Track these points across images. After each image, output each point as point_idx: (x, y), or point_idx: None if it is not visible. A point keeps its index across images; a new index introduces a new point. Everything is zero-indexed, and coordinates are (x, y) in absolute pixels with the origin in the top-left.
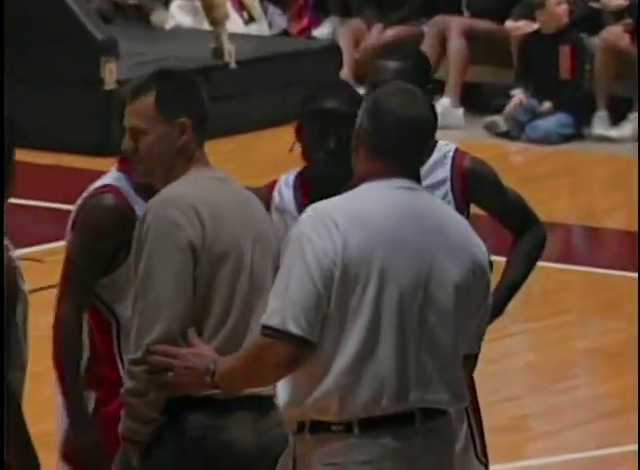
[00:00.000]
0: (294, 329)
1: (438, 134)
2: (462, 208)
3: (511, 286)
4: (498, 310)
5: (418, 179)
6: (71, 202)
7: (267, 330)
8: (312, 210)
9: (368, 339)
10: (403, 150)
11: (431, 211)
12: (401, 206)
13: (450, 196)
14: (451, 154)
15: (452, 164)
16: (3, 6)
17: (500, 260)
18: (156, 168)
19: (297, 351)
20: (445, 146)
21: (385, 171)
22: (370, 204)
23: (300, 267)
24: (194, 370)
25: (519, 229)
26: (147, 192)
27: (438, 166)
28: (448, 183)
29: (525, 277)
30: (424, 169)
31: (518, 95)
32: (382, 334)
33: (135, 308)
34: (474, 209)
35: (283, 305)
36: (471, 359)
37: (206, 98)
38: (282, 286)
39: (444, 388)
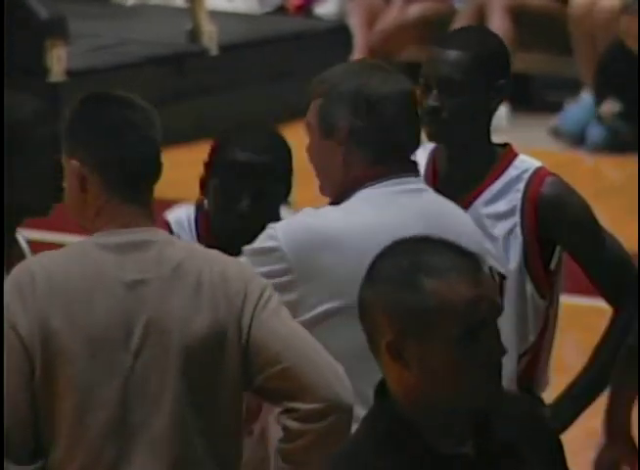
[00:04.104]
0: None
1: None
2: (534, 251)
3: (591, 384)
4: (560, 423)
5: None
6: None
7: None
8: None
9: None
10: (409, 139)
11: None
12: (409, 215)
13: (518, 232)
14: (528, 174)
15: (526, 189)
16: (3, 6)
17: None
18: None
19: None
20: (524, 162)
21: (386, 171)
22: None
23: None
24: None
25: (613, 299)
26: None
27: (509, 190)
28: (517, 215)
29: (605, 377)
30: (489, 193)
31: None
32: None
33: None
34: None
35: None
36: None
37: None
38: None
39: None
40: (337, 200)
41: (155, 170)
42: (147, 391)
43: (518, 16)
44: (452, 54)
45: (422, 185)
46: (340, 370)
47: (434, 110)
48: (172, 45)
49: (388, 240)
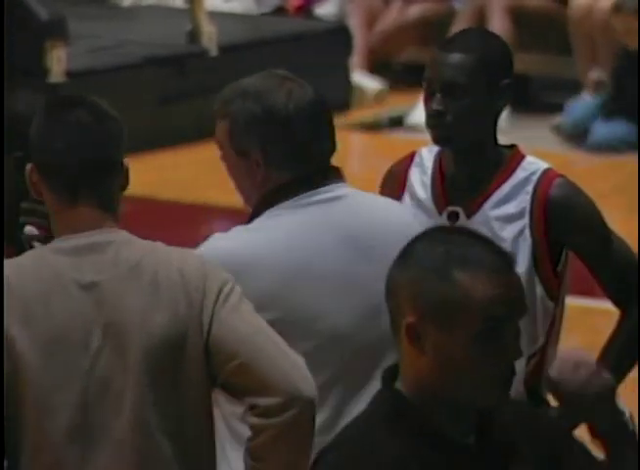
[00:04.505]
0: None
1: None
2: (544, 253)
3: None
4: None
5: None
6: None
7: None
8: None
9: None
10: (322, 149)
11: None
12: (329, 227)
13: (527, 234)
14: (537, 176)
15: (535, 191)
16: (3, 6)
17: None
18: None
19: None
20: (532, 164)
21: (301, 185)
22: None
23: None
24: None
25: (620, 301)
26: None
27: (518, 192)
28: (527, 217)
29: (619, 375)
30: (497, 196)
31: None
32: None
33: None
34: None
35: None
36: None
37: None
38: None
39: None
40: (253, 214)
41: (104, 174)
42: (107, 393)
43: (517, 16)
44: (454, 57)
45: (339, 192)
46: (300, 362)
47: (438, 113)
48: (172, 46)
49: (302, 256)
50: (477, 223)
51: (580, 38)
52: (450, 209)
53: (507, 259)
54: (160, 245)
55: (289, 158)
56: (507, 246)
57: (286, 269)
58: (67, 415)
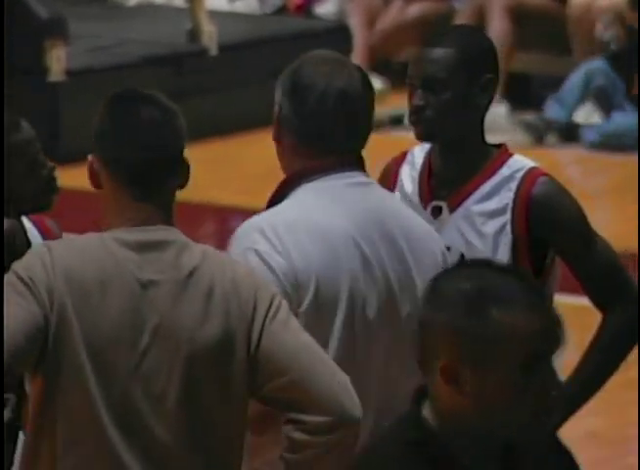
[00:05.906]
0: None
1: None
2: (523, 250)
3: (582, 387)
4: (553, 425)
5: (363, 169)
6: None
7: None
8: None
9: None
10: (339, 134)
11: (395, 211)
12: (360, 208)
13: (508, 230)
14: (521, 173)
15: (518, 188)
16: (3, 6)
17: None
18: None
19: None
20: (517, 162)
21: (325, 166)
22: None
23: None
24: None
25: (602, 302)
26: None
27: (501, 189)
28: (508, 213)
29: (603, 375)
30: (480, 192)
31: None
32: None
33: None
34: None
35: None
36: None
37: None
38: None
39: None
40: (278, 190)
41: (171, 172)
42: (150, 393)
43: (517, 16)
44: (435, 53)
45: (366, 179)
46: (347, 381)
47: (418, 109)
48: (172, 45)
49: (340, 236)
50: (459, 218)
51: (579, 37)
52: (434, 203)
53: (539, 293)
54: (211, 250)
55: (296, 127)
56: (488, 241)
57: (326, 249)
58: (107, 410)
